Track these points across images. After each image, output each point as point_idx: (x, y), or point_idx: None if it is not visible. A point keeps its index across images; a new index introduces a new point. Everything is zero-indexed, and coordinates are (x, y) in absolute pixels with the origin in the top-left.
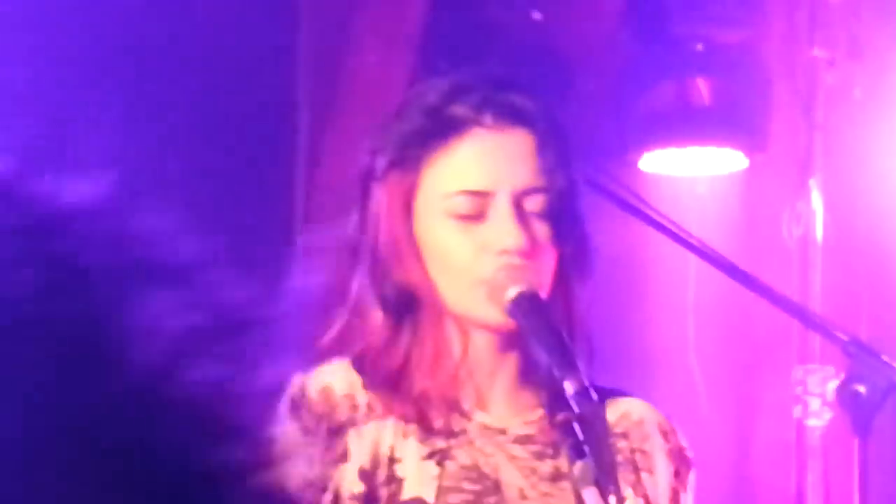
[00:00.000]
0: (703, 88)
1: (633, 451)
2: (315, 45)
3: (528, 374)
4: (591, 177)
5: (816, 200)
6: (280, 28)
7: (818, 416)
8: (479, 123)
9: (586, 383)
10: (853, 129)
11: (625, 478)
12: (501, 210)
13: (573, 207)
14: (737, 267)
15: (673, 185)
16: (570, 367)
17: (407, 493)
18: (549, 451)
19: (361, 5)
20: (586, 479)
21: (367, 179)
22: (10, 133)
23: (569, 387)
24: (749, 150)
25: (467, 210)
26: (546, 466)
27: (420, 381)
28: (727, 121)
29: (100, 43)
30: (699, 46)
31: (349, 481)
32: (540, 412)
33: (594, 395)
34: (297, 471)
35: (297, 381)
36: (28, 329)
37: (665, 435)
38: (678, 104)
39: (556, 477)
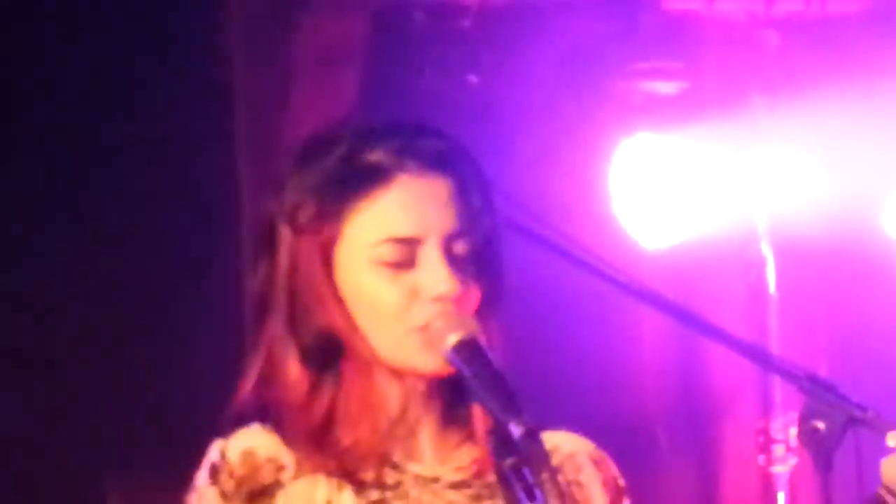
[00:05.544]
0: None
1: (568, 483)
2: (251, 123)
3: (452, 419)
4: (525, 223)
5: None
6: (216, 108)
7: (783, 461)
8: (402, 169)
9: (532, 426)
10: None
11: None
12: (432, 256)
13: (496, 249)
14: (688, 311)
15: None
16: (515, 410)
17: None
18: (486, 492)
19: (295, 81)
20: None
21: (274, 229)
22: None
23: (516, 430)
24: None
25: (396, 258)
26: None
27: (347, 435)
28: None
29: None
30: (637, 101)
31: None
32: (471, 456)
33: (540, 438)
34: None
35: (216, 447)
36: None
37: (597, 465)
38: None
39: None
